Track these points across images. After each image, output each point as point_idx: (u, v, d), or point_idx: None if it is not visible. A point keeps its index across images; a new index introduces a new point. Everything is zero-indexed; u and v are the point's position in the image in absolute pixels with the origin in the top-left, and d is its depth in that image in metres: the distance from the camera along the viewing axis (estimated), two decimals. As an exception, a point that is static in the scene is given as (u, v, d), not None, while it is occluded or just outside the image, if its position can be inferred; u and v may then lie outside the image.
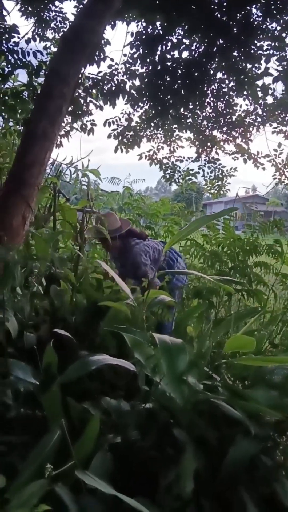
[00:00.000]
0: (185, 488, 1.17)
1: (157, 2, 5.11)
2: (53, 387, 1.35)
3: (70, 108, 5.62)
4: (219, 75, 6.00)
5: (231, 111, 6.34)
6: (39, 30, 6.36)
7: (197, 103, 6.13)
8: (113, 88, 5.97)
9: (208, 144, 6.95)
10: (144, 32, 5.80)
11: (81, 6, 5.50)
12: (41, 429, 1.30)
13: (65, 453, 1.16)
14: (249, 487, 1.26)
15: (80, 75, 5.12)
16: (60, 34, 6.10)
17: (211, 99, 6.24)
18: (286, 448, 1.22)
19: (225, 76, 5.97)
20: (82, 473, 1.06)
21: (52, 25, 6.34)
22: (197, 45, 5.74)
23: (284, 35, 5.19)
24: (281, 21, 5.21)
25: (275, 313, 3.11)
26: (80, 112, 5.98)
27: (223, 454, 1.27)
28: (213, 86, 6.09)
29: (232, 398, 1.36)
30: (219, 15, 5.25)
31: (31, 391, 1.46)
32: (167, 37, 5.69)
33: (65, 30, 5.89)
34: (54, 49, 6.09)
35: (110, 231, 2.94)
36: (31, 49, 5.47)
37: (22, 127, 4.72)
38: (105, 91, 5.95)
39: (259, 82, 5.71)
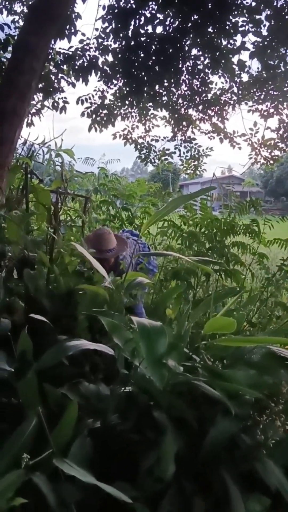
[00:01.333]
0: (167, 471, 1.16)
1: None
2: (29, 374, 1.31)
3: (40, 85, 5.41)
4: (194, 52, 5.88)
5: (206, 89, 6.24)
6: (7, 2, 6.06)
7: (172, 80, 6.01)
8: (85, 64, 5.77)
9: (184, 123, 6.87)
10: (116, 5, 5.59)
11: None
12: (17, 417, 1.26)
13: (43, 441, 1.12)
14: (230, 466, 1.26)
15: (50, 50, 4.92)
16: (27, 7, 5.82)
17: (186, 76, 6.13)
18: (266, 427, 1.22)
19: (200, 53, 5.85)
20: (60, 461, 1.03)
21: (21, -2, 6.05)
22: (171, 20, 5.58)
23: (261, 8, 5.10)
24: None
25: (253, 293, 3.13)
26: (51, 89, 5.77)
27: (203, 434, 1.26)
28: (188, 63, 5.97)
29: (212, 379, 1.35)
30: (193, -11, 5.11)
31: (6, 379, 1.41)
32: (140, 11, 5.51)
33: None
34: (23, 23, 5.81)
35: (104, 251, 2.76)
36: (-3, 21, 5.22)
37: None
38: (77, 67, 5.75)
39: (235, 59, 5.63)
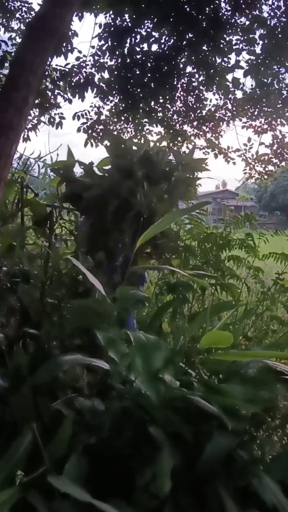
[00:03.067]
0: (163, 487, 1.14)
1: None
2: (24, 389, 1.29)
3: (37, 101, 5.47)
4: (189, 69, 5.99)
5: (201, 105, 6.34)
6: (4, 20, 6.17)
7: (167, 96, 6.10)
8: (82, 80, 5.85)
9: (179, 138, 6.94)
10: (112, 24, 5.70)
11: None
12: (12, 433, 1.24)
13: (38, 457, 1.11)
14: (227, 481, 1.25)
15: (47, 66, 4.99)
16: (25, 25, 5.92)
17: (181, 93, 6.22)
18: (263, 442, 1.21)
19: (195, 70, 5.96)
20: (55, 479, 1.02)
21: (18, 15, 6.16)
22: (166, 38, 5.69)
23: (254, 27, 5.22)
24: (250, 16, 5.24)
25: (249, 307, 3.13)
26: (47, 105, 5.83)
27: (200, 449, 1.25)
28: (183, 80, 6.07)
29: (208, 393, 1.34)
30: (188, 9, 5.22)
31: (0, 394, 1.39)
32: (136, 30, 5.62)
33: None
34: (20, 40, 5.91)
35: None
36: (-6, 39, 5.30)
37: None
38: (73, 84, 5.83)
39: (229, 77, 5.74)
